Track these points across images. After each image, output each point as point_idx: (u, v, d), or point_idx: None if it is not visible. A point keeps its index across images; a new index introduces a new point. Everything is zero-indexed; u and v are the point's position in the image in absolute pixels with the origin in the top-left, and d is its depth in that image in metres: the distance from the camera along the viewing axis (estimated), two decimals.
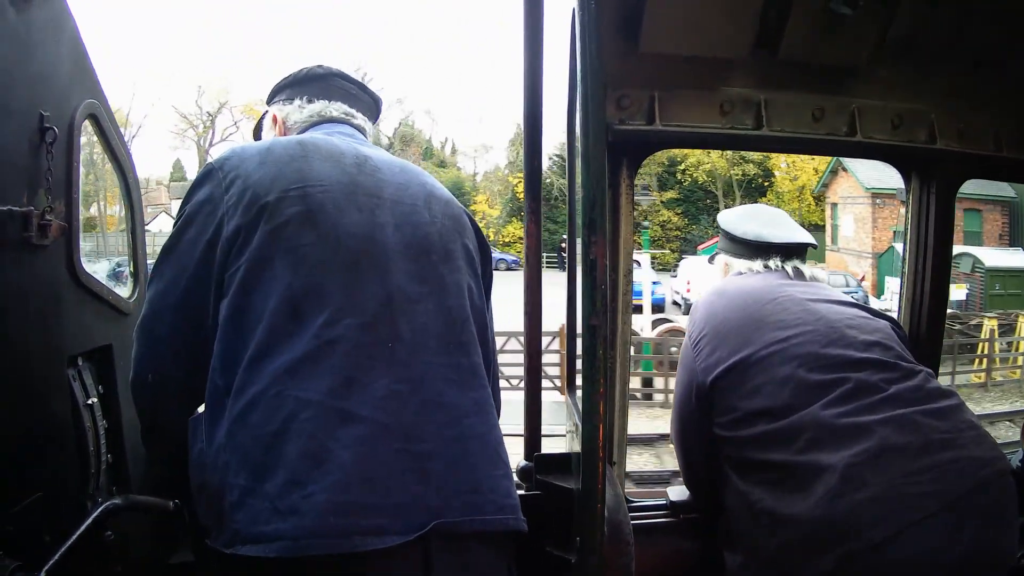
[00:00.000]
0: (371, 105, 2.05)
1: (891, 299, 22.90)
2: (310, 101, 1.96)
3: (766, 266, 2.42)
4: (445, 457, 1.54)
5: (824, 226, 36.94)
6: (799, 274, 2.40)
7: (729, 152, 38.41)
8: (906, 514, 1.78)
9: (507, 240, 45.67)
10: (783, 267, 2.41)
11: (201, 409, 1.62)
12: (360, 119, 1.99)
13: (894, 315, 2.51)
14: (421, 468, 1.50)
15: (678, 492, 2.56)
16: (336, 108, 1.96)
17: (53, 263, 1.82)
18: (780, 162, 43.30)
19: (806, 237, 2.51)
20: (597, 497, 1.38)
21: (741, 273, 2.44)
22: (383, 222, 1.67)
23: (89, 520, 1.69)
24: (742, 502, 2.03)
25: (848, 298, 2.31)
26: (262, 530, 1.40)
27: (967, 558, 1.76)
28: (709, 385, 2.15)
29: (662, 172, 45.69)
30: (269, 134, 2.00)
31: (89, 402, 1.94)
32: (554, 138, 32.40)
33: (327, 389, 1.48)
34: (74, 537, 1.62)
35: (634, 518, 2.26)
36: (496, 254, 41.74)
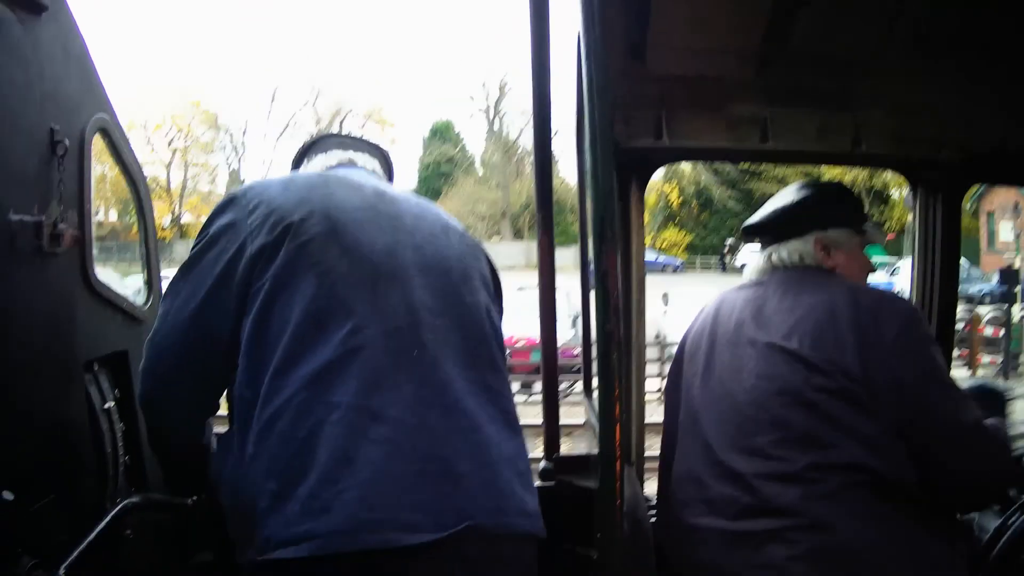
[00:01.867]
0: (384, 161, 2.07)
1: None
2: (328, 151, 2.00)
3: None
4: (470, 460, 1.55)
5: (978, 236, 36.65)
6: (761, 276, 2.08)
7: None
8: None
9: (662, 245, 45.93)
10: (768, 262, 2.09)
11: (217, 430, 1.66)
12: (378, 169, 2.02)
13: None
14: (448, 469, 1.52)
15: None
16: (362, 158, 1.99)
17: (66, 272, 1.84)
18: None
19: (777, 207, 2.12)
20: (616, 494, 1.39)
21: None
22: (404, 243, 1.70)
23: (108, 518, 1.71)
24: None
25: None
26: (294, 532, 1.41)
27: None
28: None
29: None
30: None
31: (106, 406, 1.97)
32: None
33: (354, 391, 1.50)
34: (93, 535, 1.64)
35: (654, 516, 2.28)
36: (663, 258, 42.72)
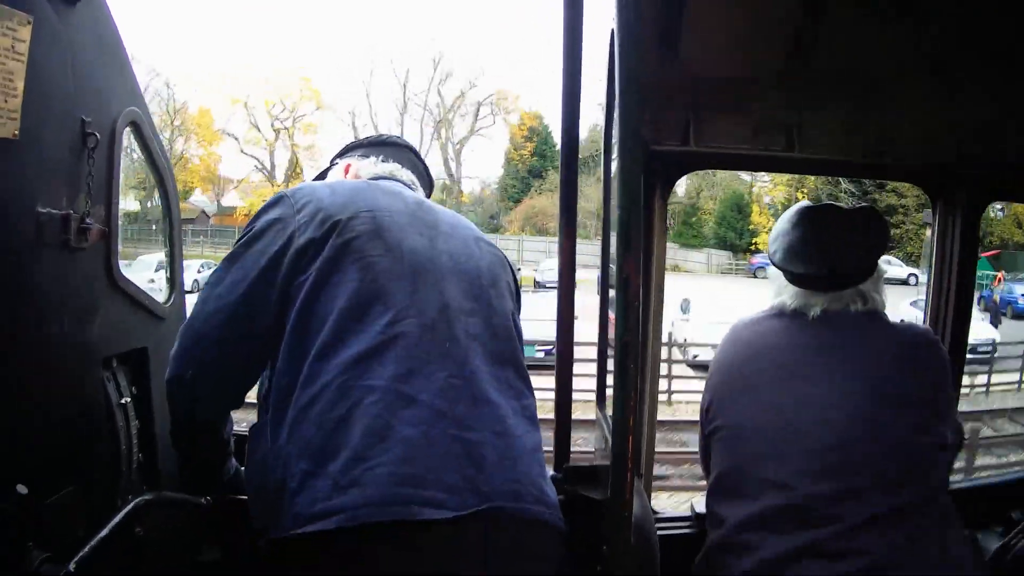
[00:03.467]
0: (428, 184, 2.20)
1: None
2: (385, 161, 2.11)
3: (794, 310, 2.07)
4: (493, 448, 1.61)
5: None
6: (828, 320, 2.03)
7: None
8: None
9: None
10: (808, 311, 2.05)
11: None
12: (420, 191, 2.11)
13: None
14: (473, 454, 1.58)
15: (703, 505, 2.54)
16: (405, 175, 2.10)
17: (91, 266, 1.86)
18: None
19: (849, 262, 2.03)
20: (625, 506, 1.39)
21: (771, 313, 2.14)
22: (439, 248, 1.80)
23: (120, 515, 1.72)
24: None
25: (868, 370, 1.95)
26: (323, 507, 1.47)
27: None
28: (706, 434, 2.15)
29: None
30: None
31: (122, 402, 1.97)
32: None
33: (391, 376, 1.58)
34: (105, 531, 1.64)
35: (660, 528, 2.27)
36: None
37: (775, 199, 46.59)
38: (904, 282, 33.91)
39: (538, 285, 32.97)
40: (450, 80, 53.74)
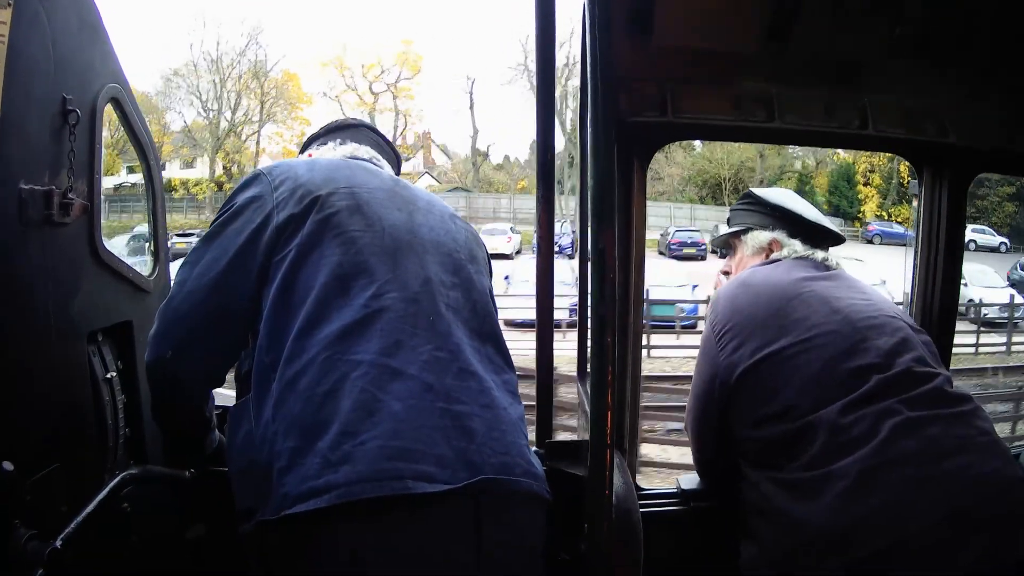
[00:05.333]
0: (392, 158, 2.19)
1: None
2: (343, 143, 2.10)
3: (809, 255, 2.35)
4: (481, 420, 1.62)
5: None
6: (824, 266, 2.33)
7: None
8: (913, 522, 1.78)
9: (899, 219, 47.41)
10: (812, 256, 2.35)
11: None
12: (385, 166, 2.10)
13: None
14: (462, 426, 1.58)
15: (689, 480, 2.56)
16: (365, 151, 2.08)
17: (74, 241, 1.86)
18: None
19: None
20: (605, 483, 1.40)
21: (771, 260, 2.37)
22: (418, 222, 1.81)
23: (106, 490, 1.71)
24: (756, 497, 2.04)
25: (870, 293, 2.25)
26: (312, 485, 1.45)
27: (974, 570, 1.74)
28: (734, 382, 2.13)
29: None
30: None
31: (108, 376, 1.98)
32: None
33: (376, 350, 1.57)
34: (91, 507, 1.64)
35: (644, 506, 2.27)
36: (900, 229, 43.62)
37: (875, 165, 48.37)
38: (995, 249, 36.04)
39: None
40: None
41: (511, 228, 39.03)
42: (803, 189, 48.33)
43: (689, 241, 36.57)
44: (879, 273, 19.40)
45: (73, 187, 1.80)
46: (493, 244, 30.16)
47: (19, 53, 1.61)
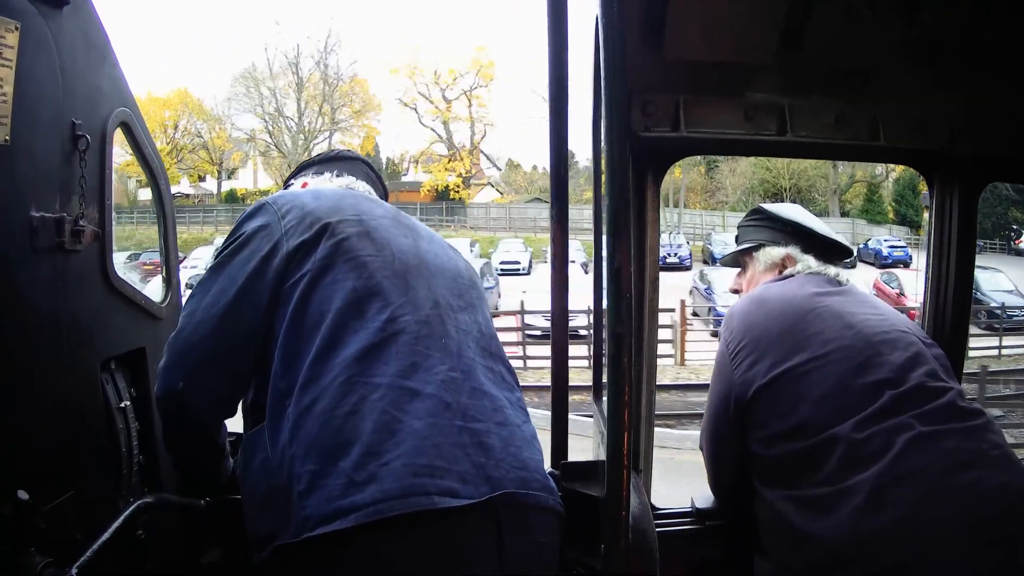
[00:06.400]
0: (384, 194, 2.22)
1: None
2: (339, 175, 2.13)
3: (822, 271, 2.35)
4: (498, 437, 1.65)
5: None
6: (836, 281, 2.32)
7: None
8: (927, 537, 1.77)
9: None
10: (825, 272, 2.35)
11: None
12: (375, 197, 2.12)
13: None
14: (480, 442, 1.60)
15: (703, 499, 2.54)
16: (360, 186, 2.12)
17: (86, 268, 1.86)
18: None
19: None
20: (622, 504, 1.38)
21: (783, 276, 2.36)
22: (423, 248, 1.85)
23: (121, 518, 1.71)
24: (771, 514, 2.02)
25: (882, 309, 2.24)
26: (337, 505, 1.45)
27: None
28: (749, 398, 2.11)
29: None
30: None
31: (122, 405, 1.97)
32: None
33: (394, 372, 1.59)
34: (106, 535, 1.64)
35: (659, 525, 2.25)
36: None
37: None
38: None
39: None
40: None
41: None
42: (872, 198, 50.71)
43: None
44: None
45: (84, 213, 1.80)
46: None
47: (27, 77, 1.61)
